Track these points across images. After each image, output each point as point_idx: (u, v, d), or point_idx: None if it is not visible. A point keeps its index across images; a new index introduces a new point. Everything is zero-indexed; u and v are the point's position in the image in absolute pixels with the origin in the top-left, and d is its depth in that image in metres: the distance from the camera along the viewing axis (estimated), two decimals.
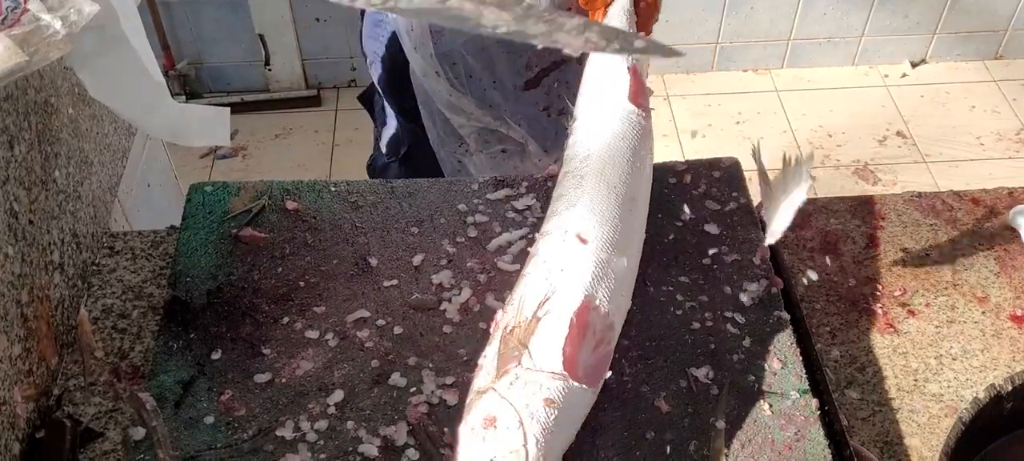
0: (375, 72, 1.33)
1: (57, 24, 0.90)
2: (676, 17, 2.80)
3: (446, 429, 0.86)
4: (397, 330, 0.95)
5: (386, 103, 1.37)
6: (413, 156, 1.36)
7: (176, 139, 1.24)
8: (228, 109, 1.28)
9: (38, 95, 1.02)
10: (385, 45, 1.27)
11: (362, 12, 1.29)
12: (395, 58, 1.26)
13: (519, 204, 1.08)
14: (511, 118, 1.26)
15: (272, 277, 1.00)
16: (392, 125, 1.34)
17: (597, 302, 0.81)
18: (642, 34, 0.99)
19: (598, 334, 0.79)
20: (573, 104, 1.09)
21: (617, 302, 0.84)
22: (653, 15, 1.12)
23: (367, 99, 1.44)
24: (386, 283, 1.00)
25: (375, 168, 1.48)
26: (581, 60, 1.22)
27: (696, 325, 0.95)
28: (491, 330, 0.85)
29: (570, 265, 0.81)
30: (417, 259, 1.02)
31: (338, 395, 0.89)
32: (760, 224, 1.03)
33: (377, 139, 1.43)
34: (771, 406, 0.88)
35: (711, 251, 1.03)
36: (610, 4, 1.09)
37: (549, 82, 1.23)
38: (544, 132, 1.26)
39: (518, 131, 1.24)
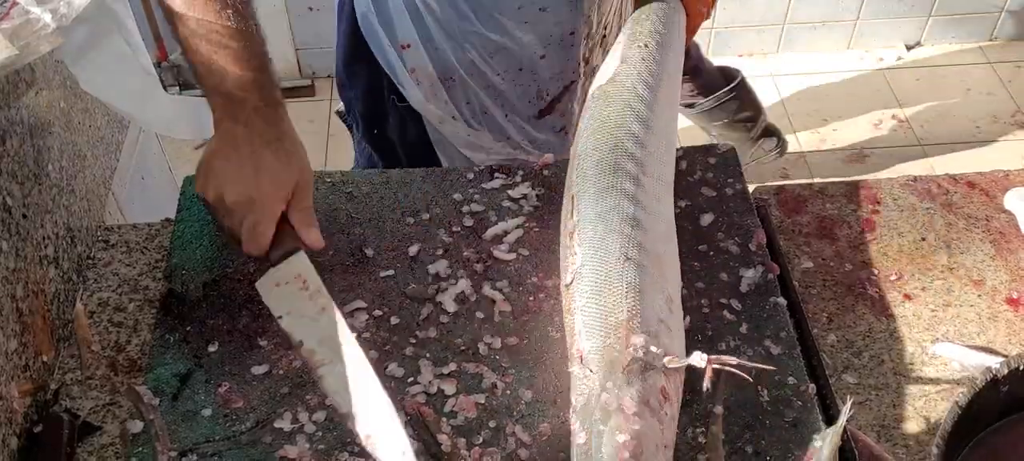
0: (352, 117, 1.34)
1: (47, 17, 0.89)
2: None
3: (443, 419, 0.86)
4: (394, 320, 0.95)
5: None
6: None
7: (169, 132, 1.24)
8: None
9: (29, 89, 1.01)
10: (360, 96, 1.28)
11: (338, 58, 1.29)
12: (370, 106, 1.28)
13: (515, 193, 1.08)
14: (529, 144, 1.29)
15: (268, 269, 1.00)
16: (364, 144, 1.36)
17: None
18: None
19: None
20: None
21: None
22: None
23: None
24: (382, 273, 1.00)
25: None
26: (587, 78, 1.22)
27: (693, 312, 0.95)
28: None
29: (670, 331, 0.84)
30: (413, 249, 1.02)
31: None
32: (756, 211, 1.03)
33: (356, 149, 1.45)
34: (768, 392, 0.88)
35: (707, 238, 1.03)
36: None
37: (562, 105, 1.26)
38: (564, 149, 1.27)
39: (537, 155, 1.25)
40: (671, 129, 1.00)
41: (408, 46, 1.15)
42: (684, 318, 0.89)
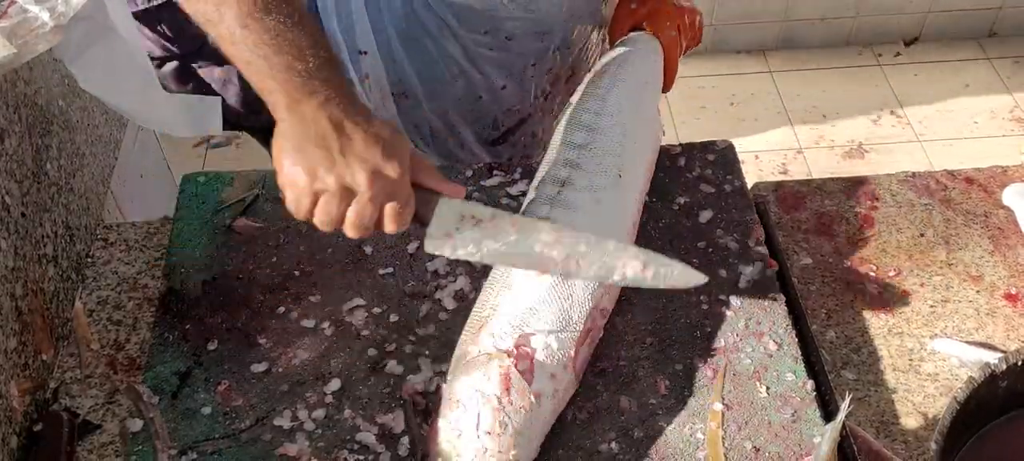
0: None
1: (45, 16, 0.89)
2: None
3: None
4: (393, 318, 0.95)
5: None
6: None
7: (168, 130, 1.23)
8: (219, 98, 1.27)
9: (28, 87, 1.01)
10: None
11: None
12: None
13: (513, 190, 1.08)
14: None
15: (267, 266, 1.00)
16: None
17: (603, 305, 0.90)
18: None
19: (594, 333, 0.89)
20: (536, 153, 1.22)
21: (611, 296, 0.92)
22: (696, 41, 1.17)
23: None
24: (381, 271, 1.00)
25: None
26: (544, 114, 1.21)
27: (692, 308, 0.95)
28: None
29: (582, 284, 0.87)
30: (412, 247, 1.02)
31: (335, 384, 0.89)
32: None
33: None
34: (768, 388, 0.88)
35: (706, 234, 1.03)
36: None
37: (516, 137, 1.24)
38: None
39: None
40: (626, 138, 0.98)
41: (366, 53, 1.09)
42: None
